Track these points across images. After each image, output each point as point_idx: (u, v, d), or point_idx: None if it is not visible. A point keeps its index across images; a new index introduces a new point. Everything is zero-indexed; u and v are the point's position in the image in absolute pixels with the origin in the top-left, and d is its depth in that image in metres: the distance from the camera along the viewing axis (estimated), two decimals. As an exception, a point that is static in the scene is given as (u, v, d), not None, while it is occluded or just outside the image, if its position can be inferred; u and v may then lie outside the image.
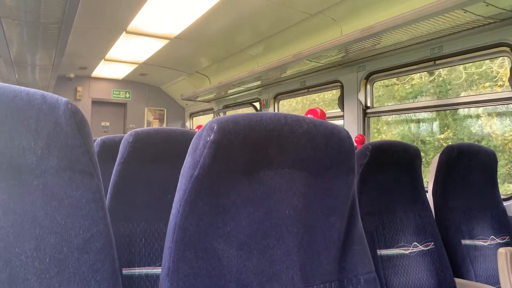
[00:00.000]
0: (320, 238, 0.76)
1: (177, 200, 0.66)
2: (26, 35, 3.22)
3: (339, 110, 3.69)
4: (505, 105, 2.87)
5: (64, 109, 0.59)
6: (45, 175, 0.58)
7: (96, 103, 6.29)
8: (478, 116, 3.61)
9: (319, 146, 0.75)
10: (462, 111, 3.68)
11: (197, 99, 5.71)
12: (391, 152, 1.57)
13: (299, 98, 5.03)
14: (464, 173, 1.80)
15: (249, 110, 5.20)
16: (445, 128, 3.92)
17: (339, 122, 3.71)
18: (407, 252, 1.53)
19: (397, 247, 1.52)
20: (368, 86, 3.45)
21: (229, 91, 4.99)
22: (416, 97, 3.90)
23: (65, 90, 5.95)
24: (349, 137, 0.79)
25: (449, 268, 1.58)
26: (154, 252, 1.19)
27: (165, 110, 6.74)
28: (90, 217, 0.61)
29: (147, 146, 1.19)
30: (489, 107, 3.05)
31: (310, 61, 3.39)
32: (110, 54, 4.84)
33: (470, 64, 3.25)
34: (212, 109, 5.99)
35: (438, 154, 1.86)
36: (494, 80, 3.33)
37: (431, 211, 1.68)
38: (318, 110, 3.07)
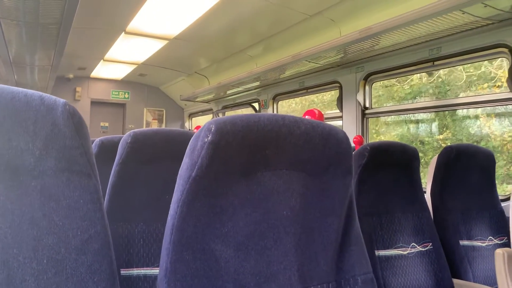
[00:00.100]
0: (317, 239, 0.77)
1: (175, 201, 0.66)
2: (25, 36, 3.22)
3: (338, 111, 3.70)
4: (504, 106, 2.87)
5: (62, 110, 0.59)
6: (43, 176, 0.59)
7: (95, 103, 6.29)
8: (477, 117, 3.62)
9: (316, 147, 0.75)
10: (461, 112, 3.69)
11: (196, 100, 5.71)
12: (390, 153, 1.57)
13: (298, 99, 5.04)
14: (462, 174, 1.81)
15: (248, 110, 5.21)
16: (444, 129, 3.93)
17: (338, 123, 3.72)
18: (405, 252, 1.53)
19: (395, 248, 1.52)
20: (367, 87, 3.46)
21: (228, 92, 5.00)
22: (415, 98, 3.91)
23: (64, 90, 5.95)
24: (347, 138, 0.80)
25: (447, 269, 1.58)
26: (153, 253, 1.19)
27: (164, 111, 6.74)
28: (88, 218, 0.61)
29: (145, 147, 1.19)
30: (488, 108, 3.06)
31: (309, 61, 3.39)
32: (109, 54, 4.84)
33: (469, 65, 3.26)
34: (211, 109, 5.99)
35: (437, 155, 1.86)
36: (493, 81, 3.33)
37: (429, 211, 1.68)
38: (316, 111, 3.08)
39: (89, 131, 0.64)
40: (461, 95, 3.47)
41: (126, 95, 6.47)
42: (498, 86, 3.22)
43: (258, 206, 0.71)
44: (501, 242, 1.82)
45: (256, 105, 5.01)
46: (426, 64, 2.95)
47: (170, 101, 6.72)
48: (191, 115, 6.75)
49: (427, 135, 4.03)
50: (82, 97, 6.16)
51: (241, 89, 4.74)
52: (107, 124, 6.49)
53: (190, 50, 4.46)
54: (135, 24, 3.71)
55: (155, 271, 1.18)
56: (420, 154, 1.67)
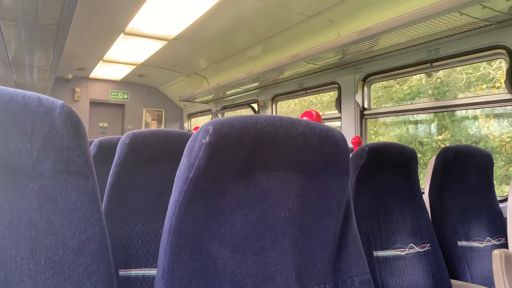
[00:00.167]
0: (315, 240, 0.77)
1: (173, 202, 0.66)
2: (24, 36, 3.22)
3: (337, 111, 3.70)
4: (503, 107, 2.88)
5: (59, 111, 0.60)
6: (41, 178, 0.59)
7: (94, 104, 6.29)
8: (475, 118, 3.63)
9: (314, 148, 0.75)
10: (460, 113, 3.69)
11: (195, 100, 5.72)
12: (388, 154, 1.58)
13: (297, 100, 5.05)
14: (460, 174, 1.81)
15: (247, 111, 5.21)
16: (443, 130, 3.93)
17: (336, 124, 3.72)
18: (403, 253, 1.54)
19: (393, 249, 1.53)
20: (365, 88, 3.47)
21: (227, 92, 5.00)
22: (414, 99, 3.91)
23: (63, 91, 5.95)
24: (344, 140, 0.80)
25: (445, 270, 1.58)
26: (151, 254, 1.19)
27: (163, 111, 6.74)
28: (85, 219, 0.61)
29: (144, 147, 1.19)
30: (487, 108, 3.07)
31: (308, 62, 3.40)
32: (108, 55, 4.84)
33: (468, 66, 3.27)
34: (210, 110, 5.99)
35: (435, 156, 1.86)
36: (492, 82, 3.34)
37: (428, 212, 1.68)
38: (314, 113, 3.08)
39: (88, 132, 0.64)
40: (460, 96, 3.48)
41: (125, 96, 6.48)
42: (497, 87, 3.23)
43: (256, 207, 0.71)
44: (499, 243, 1.82)
45: (255, 105, 5.02)
46: (425, 65, 2.96)
47: (169, 101, 6.72)
48: (190, 115, 6.76)
49: (426, 136, 4.03)
50: (81, 97, 6.16)
51: (240, 89, 4.75)
52: (106, 125, 6.49)
53: (189, 50, 4.47)
54: (134, 24, 3.71)
55: (153, 271, 1.18)
56: (419, 155, 1.67)
